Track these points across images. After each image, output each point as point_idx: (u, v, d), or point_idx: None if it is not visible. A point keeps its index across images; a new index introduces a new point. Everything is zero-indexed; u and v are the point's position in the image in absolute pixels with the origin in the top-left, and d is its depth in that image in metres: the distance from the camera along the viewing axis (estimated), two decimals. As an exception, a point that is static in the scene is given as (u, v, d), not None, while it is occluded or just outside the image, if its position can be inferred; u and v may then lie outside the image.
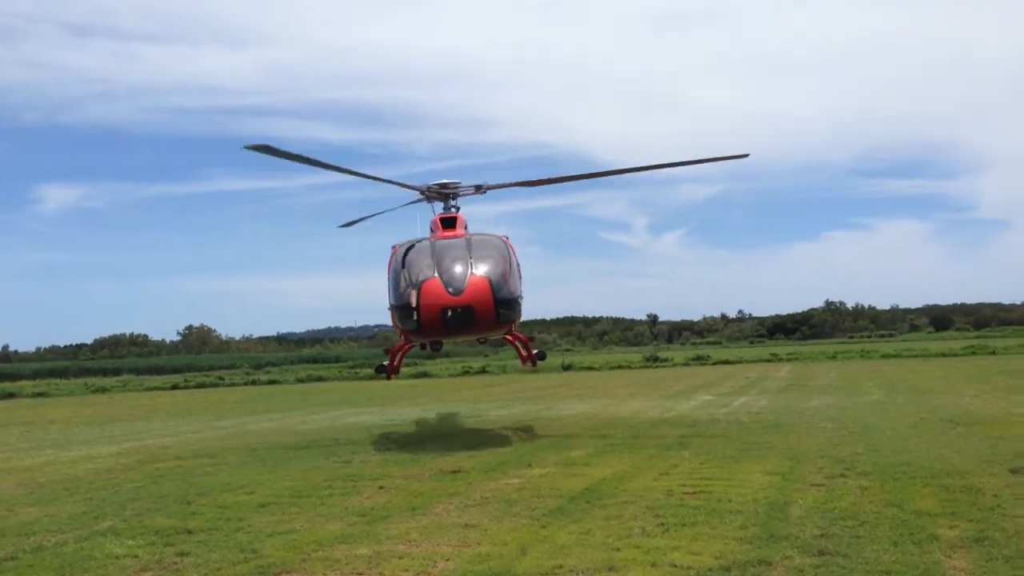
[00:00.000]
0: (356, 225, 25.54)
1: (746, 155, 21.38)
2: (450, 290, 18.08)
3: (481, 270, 18.53)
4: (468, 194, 22.37)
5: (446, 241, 19.52)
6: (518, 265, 20.03)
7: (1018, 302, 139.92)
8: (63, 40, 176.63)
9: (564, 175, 23.64)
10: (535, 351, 21.85)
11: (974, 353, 58.37)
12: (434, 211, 22.00)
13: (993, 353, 57.55)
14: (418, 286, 18.27)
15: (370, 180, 21.95)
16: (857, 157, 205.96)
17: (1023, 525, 9.29)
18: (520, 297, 19.69)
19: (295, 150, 19.17)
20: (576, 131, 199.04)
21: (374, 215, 23.80)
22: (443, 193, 22.05)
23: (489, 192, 22.35)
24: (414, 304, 18.22)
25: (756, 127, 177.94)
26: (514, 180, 22.47)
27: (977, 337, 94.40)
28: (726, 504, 10.96)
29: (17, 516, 12.32)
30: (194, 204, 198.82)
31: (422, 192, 22.17)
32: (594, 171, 23.29)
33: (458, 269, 18.49)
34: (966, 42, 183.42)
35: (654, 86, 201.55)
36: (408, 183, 22.11)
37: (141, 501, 13.08)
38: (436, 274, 18.35)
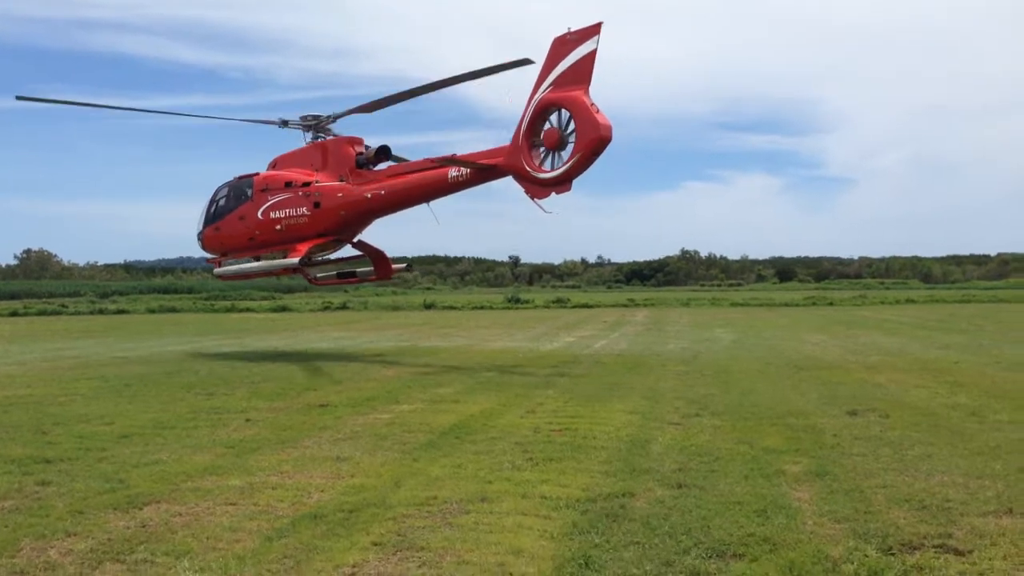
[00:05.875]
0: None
1: (531, 62, 20.31)
2: None
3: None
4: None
5: None
6: (222, 202, 25.92)
7: (855, 257, 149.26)
8: None
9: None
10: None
11: (814, 304, 62.13)
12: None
13: (831, 304, 61.35)
14: None
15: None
16: (719, 111, 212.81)
17: (859, 462, 10.13)
18: (199, 232, 26.67)
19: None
20: (442, 66, 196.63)
21: None
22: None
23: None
24: None
25: (623, 74, 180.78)
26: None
27: (817, 289, 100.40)
28: (591, 440, 11.43)
29: None
30: (33, 119, 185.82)
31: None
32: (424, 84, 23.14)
33: None
34: (828, 4, 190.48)
35: (523, 26, 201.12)
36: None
37: (-10, 431, 12.49)
38: None
